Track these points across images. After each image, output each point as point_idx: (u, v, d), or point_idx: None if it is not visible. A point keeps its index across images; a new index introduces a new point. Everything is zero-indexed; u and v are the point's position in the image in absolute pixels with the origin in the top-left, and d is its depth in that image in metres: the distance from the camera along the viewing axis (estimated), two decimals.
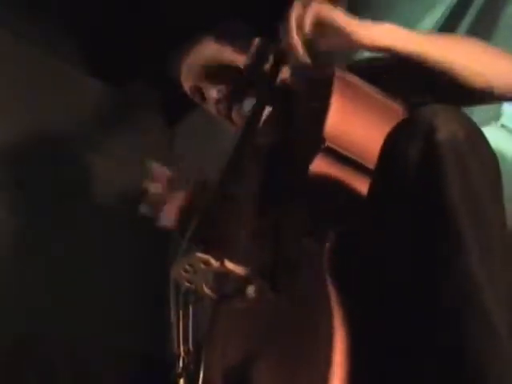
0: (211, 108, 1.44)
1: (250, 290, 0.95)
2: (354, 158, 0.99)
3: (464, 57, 1.07)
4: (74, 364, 2.12)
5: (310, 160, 0.98)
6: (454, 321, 0.73)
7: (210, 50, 1.39)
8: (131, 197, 2.55)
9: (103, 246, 2.33)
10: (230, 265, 0.95)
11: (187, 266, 0.97)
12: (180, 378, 1.01)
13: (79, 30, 2.44)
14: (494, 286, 0.73)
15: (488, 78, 1.07)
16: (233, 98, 1.37)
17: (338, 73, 1.04)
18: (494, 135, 0.83)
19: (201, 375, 1.02)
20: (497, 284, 0.73)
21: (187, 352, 1.02)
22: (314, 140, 0.99)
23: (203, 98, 1.43)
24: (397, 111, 1.07)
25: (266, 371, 0.88)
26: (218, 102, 1.39)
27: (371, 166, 0.95)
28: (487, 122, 1.26)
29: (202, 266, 0.96)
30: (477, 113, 0.84)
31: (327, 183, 0.97)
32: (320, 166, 0.98)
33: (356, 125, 1.02)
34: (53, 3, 2.29)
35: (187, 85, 1.44)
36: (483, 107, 1.40)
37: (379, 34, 1.02)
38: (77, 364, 2.13)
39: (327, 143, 0.98)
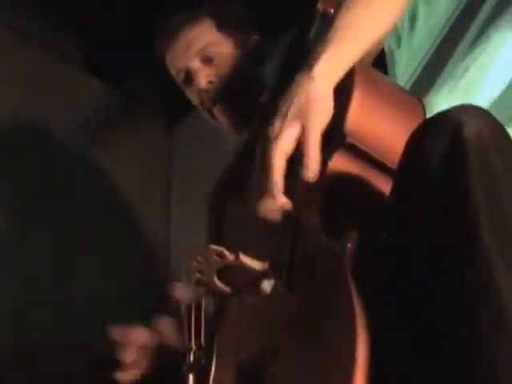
0: (193, 96, 1.39)
1: (265, 286, 0.94)
2: (373, 155, 0.97)
3: (373, 17, 1.04)
4: (72, 367, 2.11)
5: (329, 156, 0.96)
6: (471, 319, 0.73)
7: (210, 38, 1.36)
8: (131, 196, 2.55)
9: (103, 245, 2.33)
10: (244, 258, 0.94)
11: (200, 258, 0.96)
12: (190, 372, 0.99)
13: (79, 29, 2.44)
14: None
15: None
16: (219, 93, 1.34)
17: (360, 65, 1.01)
18: None
19: (212, 370, 1.01)
20: None
21: (199, 346, 1.01)
22: (334, 136, 0.97)
23: (187, 81, 1.39)
24: (417, 107, 1.05)
25: (285, 370, 0.86)
26: (205, 91, 1.35)
27: (390, 164, 0.94)
28: (505, 124, 1.25)
29: (216, 257, 0.95)
30: (495, 114, 0.84)
31: (346, 180, 0.95)
32: (340, 162, 0.96)
33: (377, 121, 0.99)
34: (53, 3, 2.29)
35: (176, 63, 1.39)
36: (501, 108, 1.39)
37: (324, 81, 0.97)
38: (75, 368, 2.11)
39: (348, 139, 0.96)
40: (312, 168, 0.92)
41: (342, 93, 0.99)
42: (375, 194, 0.96)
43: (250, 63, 1.37)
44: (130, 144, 2.54)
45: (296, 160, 0.94)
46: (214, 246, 0.94)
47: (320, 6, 1.14)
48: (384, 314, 0.79)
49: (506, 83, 1.52)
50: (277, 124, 0.96)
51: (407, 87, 1.67)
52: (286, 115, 0.95)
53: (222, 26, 1.37)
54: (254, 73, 1.36)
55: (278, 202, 0.93)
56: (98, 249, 2.31)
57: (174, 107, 2.67)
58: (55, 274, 2.15)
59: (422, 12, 1.52)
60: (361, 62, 1.04)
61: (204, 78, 1.34)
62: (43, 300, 2.09)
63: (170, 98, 2.66)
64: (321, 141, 0.94)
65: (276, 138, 0.94)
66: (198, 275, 0.99)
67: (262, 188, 0.96)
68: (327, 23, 1.02)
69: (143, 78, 2.60)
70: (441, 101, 1.64)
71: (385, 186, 0.94)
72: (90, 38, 2.48)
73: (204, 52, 1.35)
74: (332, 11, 1.12)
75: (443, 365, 0.74)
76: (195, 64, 1.35)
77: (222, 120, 1.37)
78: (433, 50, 1.69)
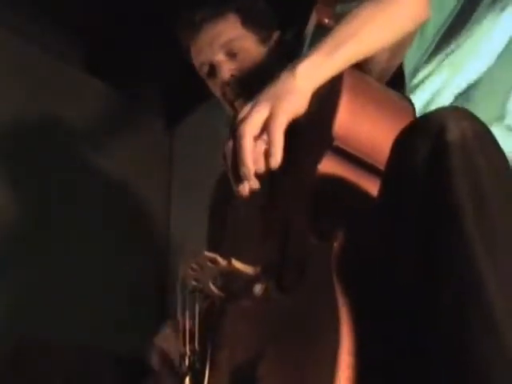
0: (215, 88, 1.40)
1: (257, 289, 0.95)
2: (362, 157, 0.97)
3: (380, 30, 1.05)
4: (72, 366, 2.12)
5: (318, 159, 0.96)
6: (458, 320, 0.73)
7: (235, 33, 1.38)
8: (131, 196, 2.56)
9: (103, 245, 2.33)
10: (237, 264, 0.95)
11: (194, 265, 0.97)
12: (186, 376, 1.00)
13: (79, 29, 2.44)
14: (500, 284, 0.73)
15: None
16: (242, 87, 1.35)
17: (348, 69, 1.02)
18: (498, 136, 0.84)
19: (207, 374, 1.02)
20: (503, 283, 0.74)
21: (193, 351, 1.01)
22: (323, 139, 0.98)
23: (211, 74, 1.40)
24: (407, 109, 1.06)
25: (274, 370, 0.87)
26: (227, 84, 1.36)
27: (380, 166, 0.94)
28: (491, 123, 1.26)
29: (209, 264, 0.95)
30: (481, 113, 0.84)
31: (335, 183, 0.96)
32: (328, 165, 0.96)
33: (365, 124, 1.00)
34: (53, 3, 2.29)
35: (201, 56, 1.40)
36: (488, 107, 1.40)
37: (305, 81, 0.98)
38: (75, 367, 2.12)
39: (336, 142, 0.97)
40: (274, 154, 0.92)
41: (330, 97, 0.99)
42: (364, 195, 0.96)
43: (272, 60, 1.39)
44: (130, 144, 2.55)
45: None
46: (207, 253, 0.95)
47: (315, 17, 1.14)
48: (372, 314, 0.80)
49: (492, 60, 1.54)
50: (247, 107, 0.97)
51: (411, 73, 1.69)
52: (257, 100, 0.97)
53: (246, 21, 1.39)
54: (273, 68, 1.37)
55: (248, 178, 0.93)
56: (98, 249, 2.31)
57: (174, 107, 2.68)
58: (55, 274, 2.16)
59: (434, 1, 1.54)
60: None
61: (228, 71, 1.35)
62: (43, 300, 2.09)
63: (170, 98, 2.67)
64: (309, 144, 0.95)
65: (244, 119, 0.94)
66: (193, 282, 0.99)
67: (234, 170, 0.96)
68: (322, 34, 1.03)
69: (143, 79, 2.60)
70: (432, 74, 1.65)
71: (374, 187, 0.95)
72: (90, 37, 2.48)
73: (229, 46, 1.36)
74: (327, 22, 1.13)
75: (433, 367, 0.74)
76: (220, 57, 1.37)
77: None
78: (439, 36, 1.71)
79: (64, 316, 2.11)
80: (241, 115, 0.96)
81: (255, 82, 1.34)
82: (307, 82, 0.97)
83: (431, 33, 1.73)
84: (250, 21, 1.39)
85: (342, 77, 1.00)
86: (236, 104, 1.36)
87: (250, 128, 0.93)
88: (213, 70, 1.38)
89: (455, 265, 0.74)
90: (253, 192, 0.95)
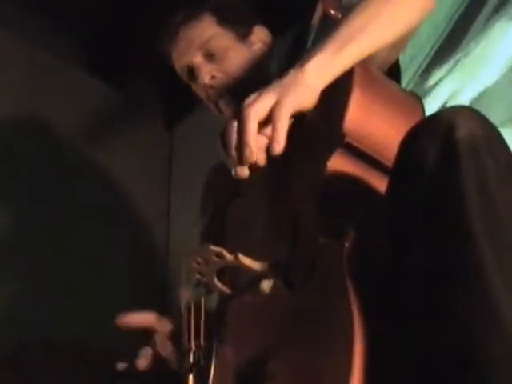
0: (199, 90, 1.38)
1: (264, 286, 0.94)
2: (372, 154, 0.97)
3: (386, 23, 1.04)
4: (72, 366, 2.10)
5: (328, 156, 0.95)
6: (466, 318, 0.73)
7: (210, 32, 1.35)
8: (131, 196, 2.56)
9: (103, 245, 2.33)
10: (244, 259, 0.94)
11: (200, 259, 0.96)
12: (190, 372, 0.99)
13: (79, 29, 2.44)
14: (507, 285, 0.73)
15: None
16: (225, 87, 1.34)
17: (359, 65, 1.00)
18: (510, 138, 0.84)
19: (212, 370, 1.01)
20: (509, 281, 0.74)
21: (198, 346, 1.00)
22: (333, 136, 0.97)
23: (191, 77, 1.38)
24: (416, 107, 1.05)
25: (284, 369, 0.86)
26: (210, 87, 1.34)
27: (389, 163, 0.94)
28: (504, 125, 1.25)
29: (215, 258, 0.95)
30: (493, 115, 0.84)
31: (345, 180, 0.95)
32: (338, 162, 0.95)
33: (376, 120, 0.99)
34: (53, 3, 2.29)
35: (180, 60, 1.38)
36: (500, 109, 1.40)
37: (315, 77, 0.96)
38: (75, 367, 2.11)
39: (347, 139, 0.96)
40: (277, 140, 0.90)
41: (341, 93, 0.98)
42: (374, 193, 0.96)
43: (256, 55, 1.37)
44: (130, 144, 2.55)
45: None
46: (213, 247, 0.94)
47: (321, 8, 1.14)
48: (382, 313, 0.79)
49: (506, 68, 1.54)
50: (253, 95, 0.95)
51: (412, 83, 1.68)
52: (264, 90, 0.95)
53: (221, 19, 1.37)
54: (258, 64, 1.35)
55: (250, 160, 0.91)
56: (97, 249, 2.31)
57: (174, 107, 2.68)
58: (55, 274, 2.15)
59: None
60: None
61: (207, 73, 1.33)
62: (43, 300, 2.09)
63: (170, 98, 2.67)
64: (319, 141, 0.94)
65: (250, 104, 0.92)
66: (198, 276, 0.98)
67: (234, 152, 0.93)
68: (328, 25, 1.02)
69: (143, 78, 2.60)
70: (442, 80, 1.65)
71: (384, 185, 0.94)
72: (90, 37, 2.48)
73: (205, 47, 1.34)
74: (333, 13, 1.12)
75: (439, 365, 0.74)
76: (198, 60, 1.35)
77: (228, 114, 1.35)
78: (438, 44, 1.70)
79: (64, 316, 2.10)
80: (247, 101, 0.94)
81: (238, 79, 1.33)
82: (316, 79, 0.96)
83: (429, 34, 1.73)
84: (225, 18, 1.37)
85: (352, 73, 0.99)
86: (220, 104, 1.34)
87: (256, 112, 0.91)
88: (192, 73, 1.36)
89: (463, 263, 0.74)
90: (253, 172, 0.93)
